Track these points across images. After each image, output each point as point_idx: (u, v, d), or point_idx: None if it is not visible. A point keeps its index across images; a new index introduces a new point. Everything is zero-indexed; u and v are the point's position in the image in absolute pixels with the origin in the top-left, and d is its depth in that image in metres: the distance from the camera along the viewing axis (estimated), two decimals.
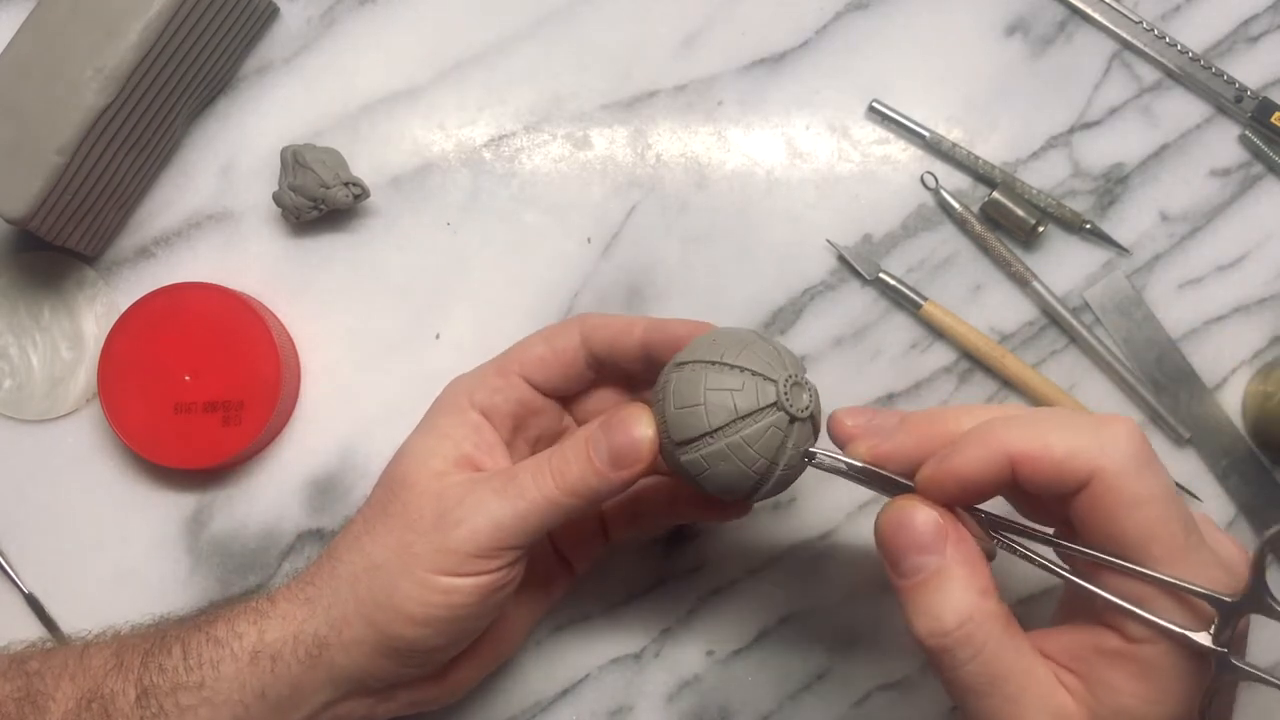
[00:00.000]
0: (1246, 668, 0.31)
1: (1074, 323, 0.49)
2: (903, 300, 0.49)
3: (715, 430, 0.34)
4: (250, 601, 0.39)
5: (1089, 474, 0.30)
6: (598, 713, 0.48)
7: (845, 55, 0.50)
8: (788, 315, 0.49)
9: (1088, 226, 0.49)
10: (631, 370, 0.41)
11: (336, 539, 0.40)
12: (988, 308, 0.49)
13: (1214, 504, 0.49)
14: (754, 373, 0.34)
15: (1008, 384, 0.49)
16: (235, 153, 0.50)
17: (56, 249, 0.47)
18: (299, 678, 0.37)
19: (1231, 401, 0.49)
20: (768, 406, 0.34)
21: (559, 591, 0.46)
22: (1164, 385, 0.49)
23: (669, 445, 0.35)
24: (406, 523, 0.37)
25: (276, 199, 0.48)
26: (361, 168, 0.49)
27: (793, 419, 0.34)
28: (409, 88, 0.50)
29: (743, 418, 0.34)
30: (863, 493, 0.37)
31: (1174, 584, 0.30)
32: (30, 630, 0.48)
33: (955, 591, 0.31)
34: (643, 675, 0.48)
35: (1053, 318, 0.49)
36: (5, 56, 0.43)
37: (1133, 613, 0.31)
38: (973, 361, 0.49)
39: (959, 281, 0.49)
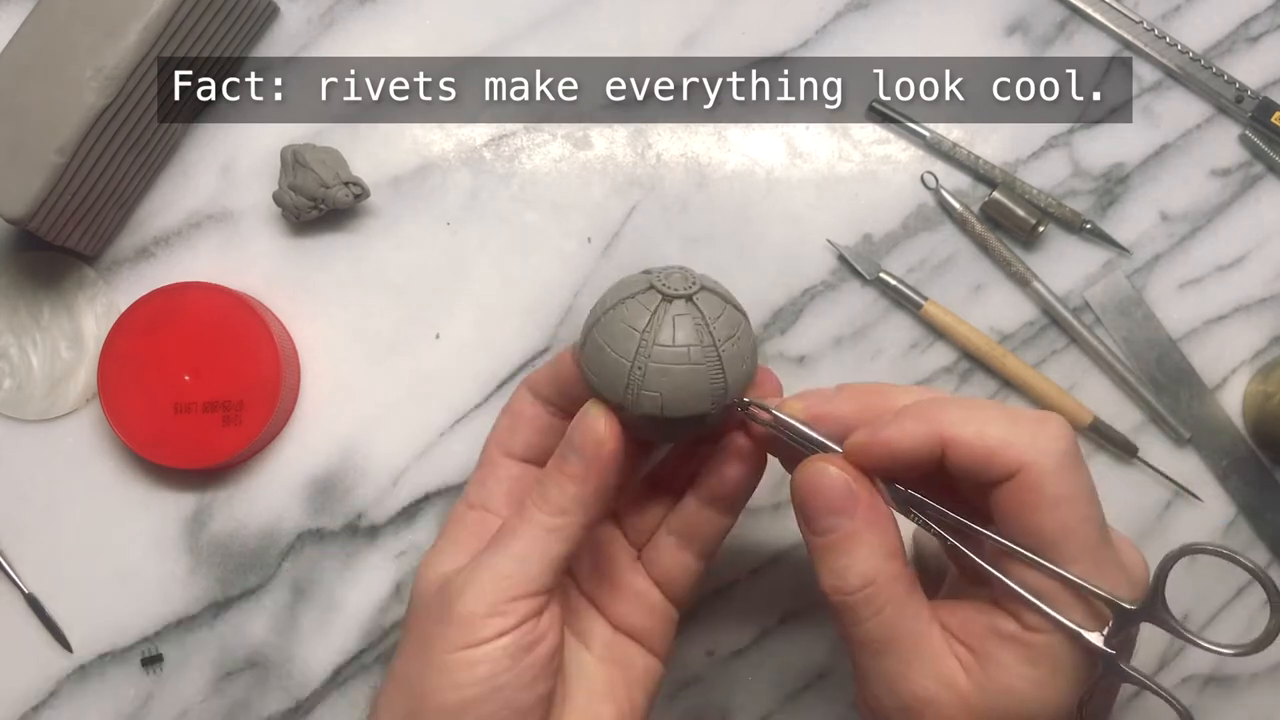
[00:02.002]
0: (1131, 671, 0.32)
1: (1074, 323, 0.49)
2: (903, 300, 0.49)
3: (593, 324, 0.35)
4: None
5: (1018, 466, 0.32)
6: None
7: (845, 55, 0.50)
8: (788, 315, 0.49)
9: (1088, 226, 0.49)
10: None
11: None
12: (988, 308, 0.49)
13: (1214, 504, 0.49)
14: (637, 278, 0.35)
15: (1008, 384, 0.49)
16: (235, 153, 0.49)
17: (56, 249, 0.47)
18: None
19: (1231, 401, 0.49)
20: (641, 292, 0.34)
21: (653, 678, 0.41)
22: (1164, 385, 0.49)
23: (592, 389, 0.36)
24: (423, 626, 0.36)
25: (276, 199, 0.48)
26: (361, 168, 0.49)
27: (665, 296, 0.34)
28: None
29: (614, 305, 0.35)
30: None
31: (1081, 585, 0.32)
32: (31, 630, 0.48)
33: (862, 554, 0.33)
34: None
35: (1053, 318, 0.49)
36: (5, 56, 0.43)
37: (1034, 605, 0.32)
38: (973, 361, 0.49)
39: (959, 281, 0.49)
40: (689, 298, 0.34)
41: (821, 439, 0.35)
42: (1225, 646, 0.32)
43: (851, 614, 0.33)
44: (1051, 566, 0.32)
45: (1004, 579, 0.33)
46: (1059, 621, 0.32)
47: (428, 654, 0.34)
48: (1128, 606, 0.32)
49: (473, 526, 0.39)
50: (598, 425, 0.35)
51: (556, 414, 0.40)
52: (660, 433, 0.37)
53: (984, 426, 0.32)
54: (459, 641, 0.34)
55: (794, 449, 0.36)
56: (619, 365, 0.34)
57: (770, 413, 0.35)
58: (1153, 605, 0.33)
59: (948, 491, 0.35)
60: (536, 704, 0.35)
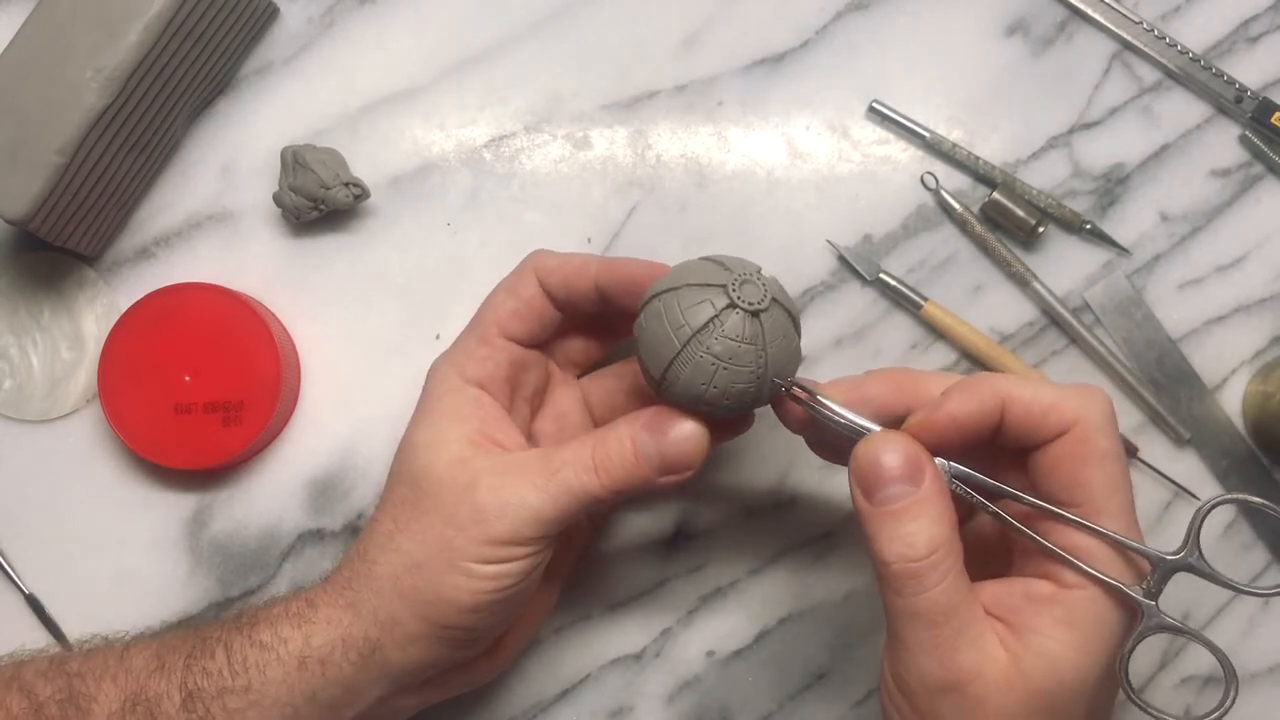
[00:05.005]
0: (1173, 621, 0.34)
1: (1074, 323, 0.49)
2: (903, 300, 0.49)
3: (655, 295, 0.36)
4: (289, 605, 0.39)
5: (1072, 420, 0.34)
6: (598, 713, 0.48)
7: (845, 55, 0.50)
8: None
9: (1088, 226, 0.49)
10: (589, 310, 0.42)
11: (365, 539, 0.39)
12: (988, 308, 0.49)
13: None
14: (704, 285, 0.36)
15: None
16: (235, 153, 0.50)
17: (56, 249, 0.47)
18: (351, 678, 0.38)
19: (1231, 401, 0.49)
20: (712, 285, 0.35)
21: (580, 548, 0.47)
22: (1164, 385, 0.49)
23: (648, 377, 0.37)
24: (442, 518, 0.37)
25: (276, 199, 0.48)
26: (361, 168, 0.49)
27: (731, 304, 0.35)
28: (409, 88, 0.50)
29: (680, 287, 0.36)
30: None
31: (1121, 540, 0.34)
32: (31, 631, 0.48)
33: (930, 520, 0.33)
34: (643, 675, 0.48)
35: (1053, 318, 0.49)
36: (5, 56, 0.43)
37: (1073, 563, 0.33)
38: (973, 362, 0.49)
39: (959, 282, 0.49)
40: (755, 313, 0.35)
41: (863, 422, 0.36)
42: (1260, 587, 0.35)
43: (916, 582, 0.33)
44: (1090, 524, 0.34)
45: (1042, 540, 0.34)
46: (1099, 577, 0.33)
47: (451, 556, 0.37)
48: (1169, 556, 0.34)
49: (472, 406, 0.40)
50: (698, 455, 0.37)
51: (556, 306, 0.41)
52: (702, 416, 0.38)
53: (1038, 389, 0.34)
54: (487, 556, 0.37)
55: (827, 431, 0.37)
56: (669, 345, 0.35)
57: (811, 394, 0.36)
58: (1191, 554, 0.34)
59: (979, 466, 0.36)
60: (528, 599, 0.40)
